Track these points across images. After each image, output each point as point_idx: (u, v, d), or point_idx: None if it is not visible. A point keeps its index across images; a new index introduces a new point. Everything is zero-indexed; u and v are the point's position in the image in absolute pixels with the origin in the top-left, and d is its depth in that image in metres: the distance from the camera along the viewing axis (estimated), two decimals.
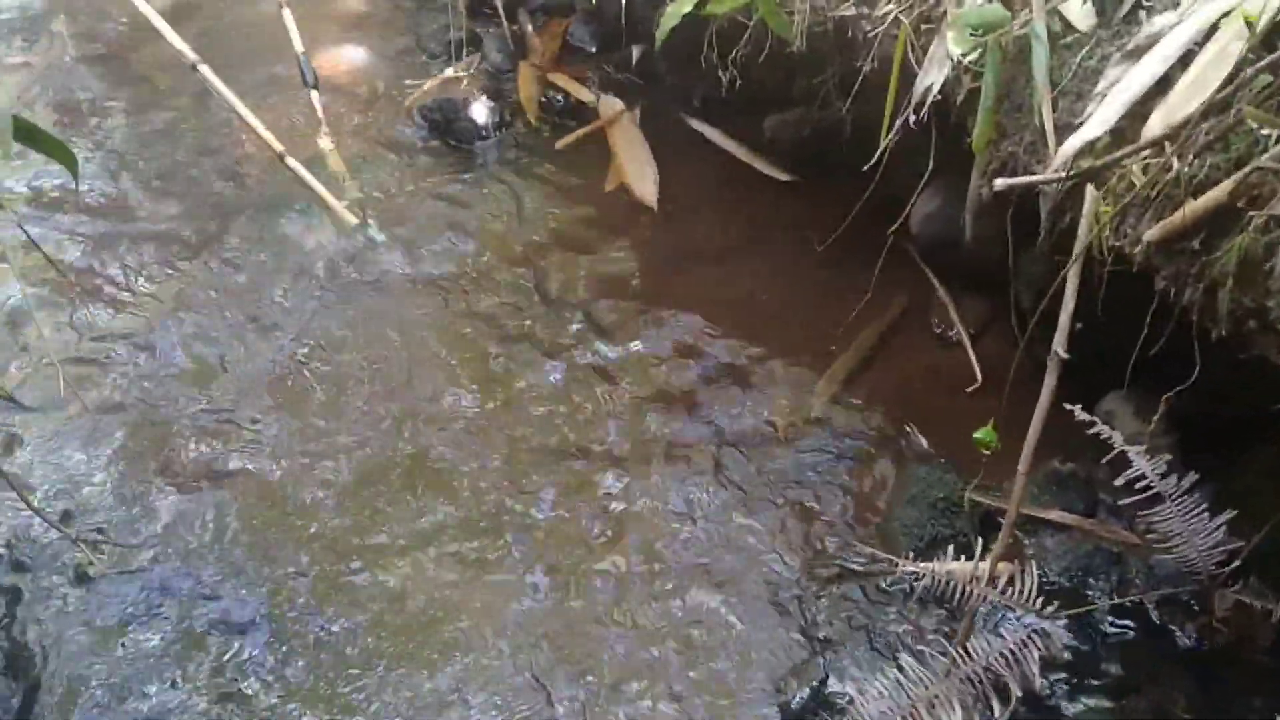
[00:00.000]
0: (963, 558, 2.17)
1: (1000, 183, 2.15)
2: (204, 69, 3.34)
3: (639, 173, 3.48)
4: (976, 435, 1.98)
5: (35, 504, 2.41)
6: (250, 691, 2.23)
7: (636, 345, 3.05)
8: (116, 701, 2.21)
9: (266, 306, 3.14)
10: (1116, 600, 2.24)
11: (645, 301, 3.18)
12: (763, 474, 2.69)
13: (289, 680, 2.26)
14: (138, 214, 3.45)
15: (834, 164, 3.24)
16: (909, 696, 2.02)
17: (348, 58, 4.14)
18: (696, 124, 3.67)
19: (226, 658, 2.30)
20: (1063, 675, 2.15)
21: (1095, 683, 2.16)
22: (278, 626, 2.35)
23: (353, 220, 3.35)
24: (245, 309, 3.13)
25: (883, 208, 2.77)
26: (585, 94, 3.89)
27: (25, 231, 2.21)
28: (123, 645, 2.32)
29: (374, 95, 3.93)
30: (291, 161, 3.34)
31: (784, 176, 3.44)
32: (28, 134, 1.41)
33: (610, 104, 3.76)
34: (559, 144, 3.72)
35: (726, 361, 3.01)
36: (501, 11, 3.98)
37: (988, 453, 1.99)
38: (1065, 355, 1.97)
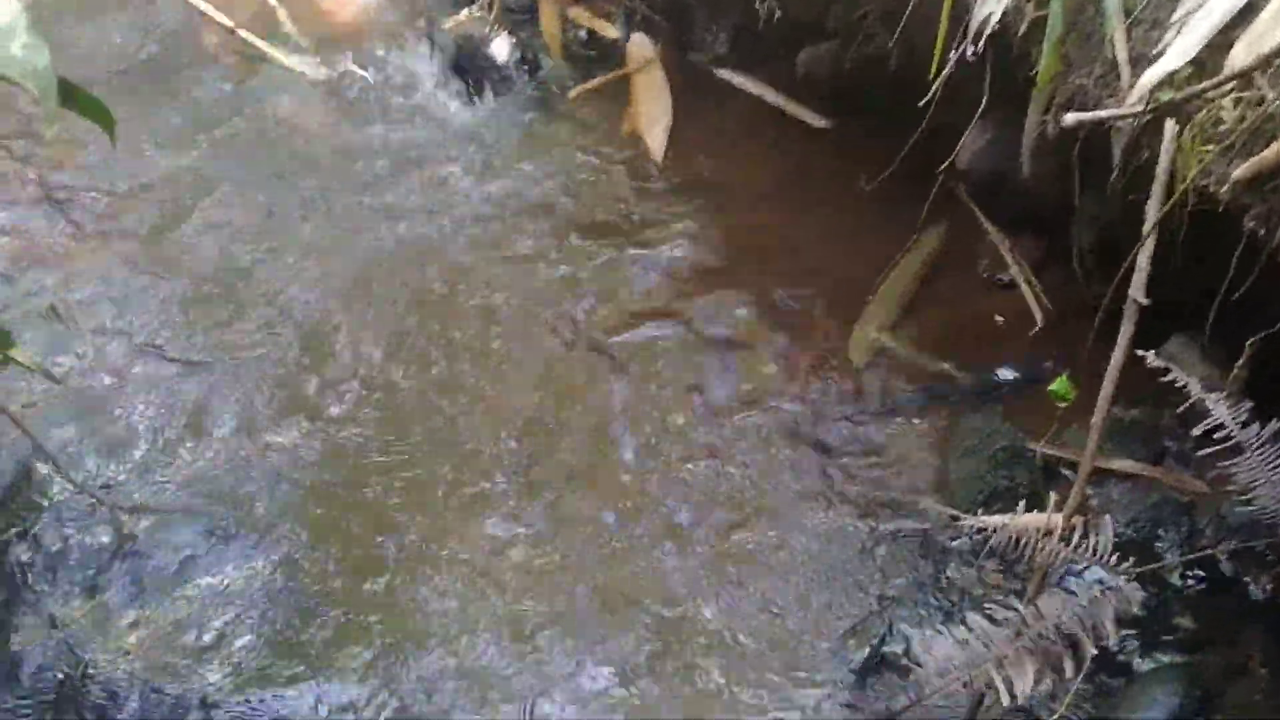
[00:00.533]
0: (1034, 511, 2.11)
1: (1070, 118, 2.07)
2: None
3: (651, 121, 3.37)
4: (1052, 388, 1.92)
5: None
6: None
7: (660, 292, 2.98)
8: None
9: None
10: (1187, 554, 2.18)
11: (668, 247, 3.09)
12: (807, 426, 2.63)
13: None
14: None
15: (874, 101, 3.16)
16: (976, 655, 1.96)
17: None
18: (724, 73, 3.53)
19: None
20: (1133, 631, 2.10)
21: (1167, 638, 2.12)
22: None
23: (322, 71, 3.45)
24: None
25: (925, 148, 2.68)
26: (610, 30, 3.77)
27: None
28: None
29: (385, 37, 3.79)
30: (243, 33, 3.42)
31: (820, 122, 3.32)
32: (64, 93, 1.36)
33: (640, 44, 3.63)
34: (572, 93, 3.59)
35: (759, 308, 2.93)
36: None
37: (1064, 405, 1.92)
38: (1145, 301, 1.90)
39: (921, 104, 2.48)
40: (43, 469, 2.46)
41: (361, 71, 3.57)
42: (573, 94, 3.59)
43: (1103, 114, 2.06)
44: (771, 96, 3.47)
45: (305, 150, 3.37)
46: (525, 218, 3.18)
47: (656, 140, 3.29)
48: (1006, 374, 2.63)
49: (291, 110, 3.49)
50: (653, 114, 3.38)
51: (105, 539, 2.38)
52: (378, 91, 3.60)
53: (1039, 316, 2.72)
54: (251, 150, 3.37)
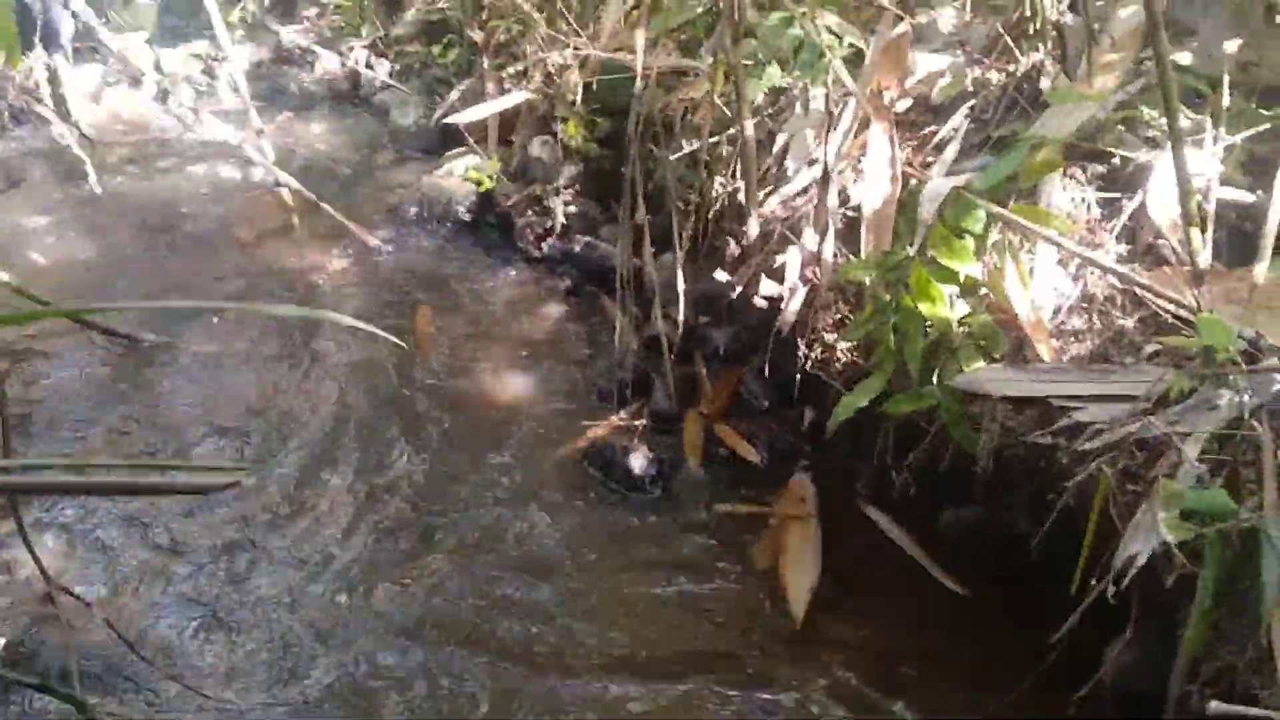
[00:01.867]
0: None
1: (1215, 708, 1.86)
2: None
3: (797, 578, 3.23)
4: None
5: None
6: None
7: None
8: None
9: None
10: None
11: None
12: None
13: None
14: None
15: (1014, 576, 3.01)
16: None
17: (512, 388, 4.20)
18: (868, 511, 3.44)
19: None
20: None
21: None
22: None
23: None
24: None
25: (1068, 647, 2.48)
26: (752, 453, 3.78)
27: None
28: None
29: (533, 435, 3.90)
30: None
31: (959, 588, 3.15)
32: None
33: (800, 487, 3.60)
34: (719, 509, 3.56)
35: None
36: (667, 356, 3.93)
37: None
38: None
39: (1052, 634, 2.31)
40: None
41: None
42: (720, 510, 3.57)
43: (1252, 713, 1.84)
44: (912, 549, 3.34)
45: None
46: (655, 639, 3.09)
47: (799, 600, 3.15)
48: None
49: None
50: (801, 570, 3.25)
51: None
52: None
53: None
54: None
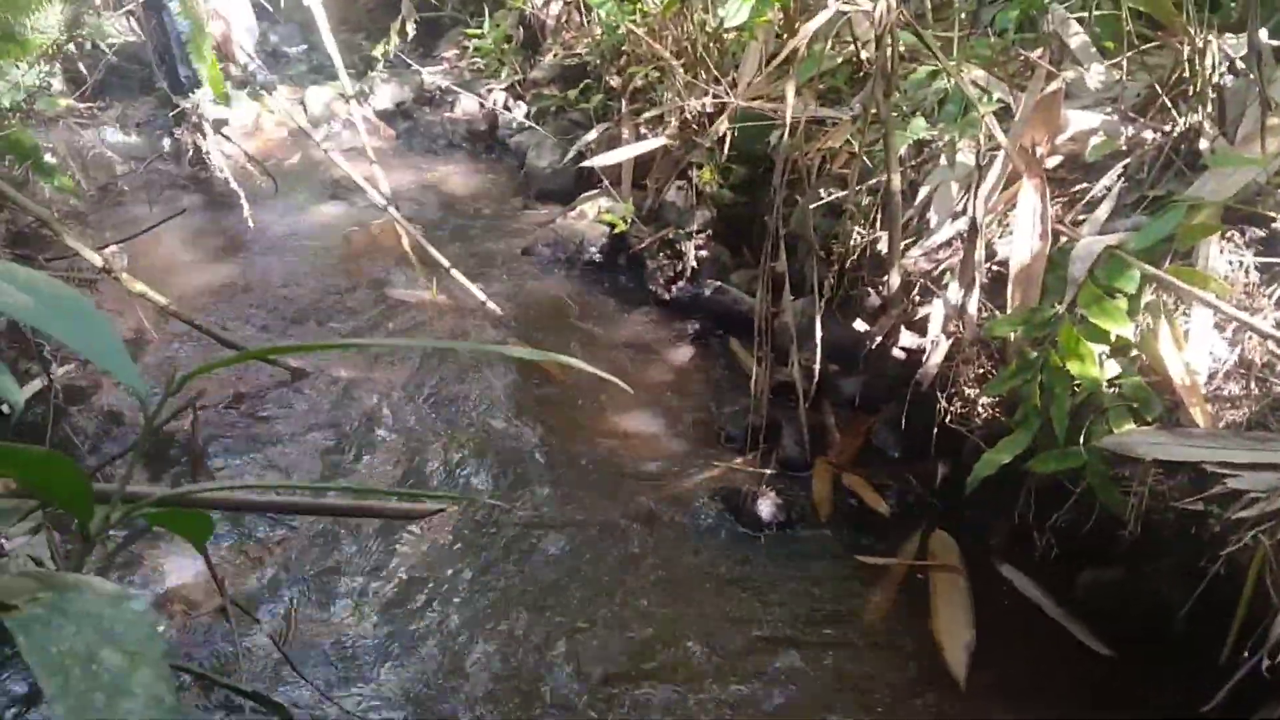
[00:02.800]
0: None
1: None
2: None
3: (953, 636, 3.21)
4: None
5: None
6: None
7: None
8: None
9: None
10: None
11: None
12: None
13: None
14: None
15: (1158, 639, 2.97)
16: None
17: (641, 426, 4.27)
18: (1007, 570, 3.42)
19: None
20: None
21: None
22: None
23: None
24: None
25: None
26: (880, 503, 3.79)
27: None
28: None
29: (662, 475, 3.97)
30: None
31: (1104, 650, 3.11)
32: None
33: (943, 544, 3.58)
34: (860, 557, 3.56)
35: None
36: (801, 403, 3.97)
37: None
38: None
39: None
40: None
41: None
42: (860, 560, 3.57)
43: None
44: (1052, 609, 3.31)
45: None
46: (811, 683, 3.10)
47: (959, 660, 3.13)
48: None
49: None
50: (955, 627, 3.25)
51: None
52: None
53: None
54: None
